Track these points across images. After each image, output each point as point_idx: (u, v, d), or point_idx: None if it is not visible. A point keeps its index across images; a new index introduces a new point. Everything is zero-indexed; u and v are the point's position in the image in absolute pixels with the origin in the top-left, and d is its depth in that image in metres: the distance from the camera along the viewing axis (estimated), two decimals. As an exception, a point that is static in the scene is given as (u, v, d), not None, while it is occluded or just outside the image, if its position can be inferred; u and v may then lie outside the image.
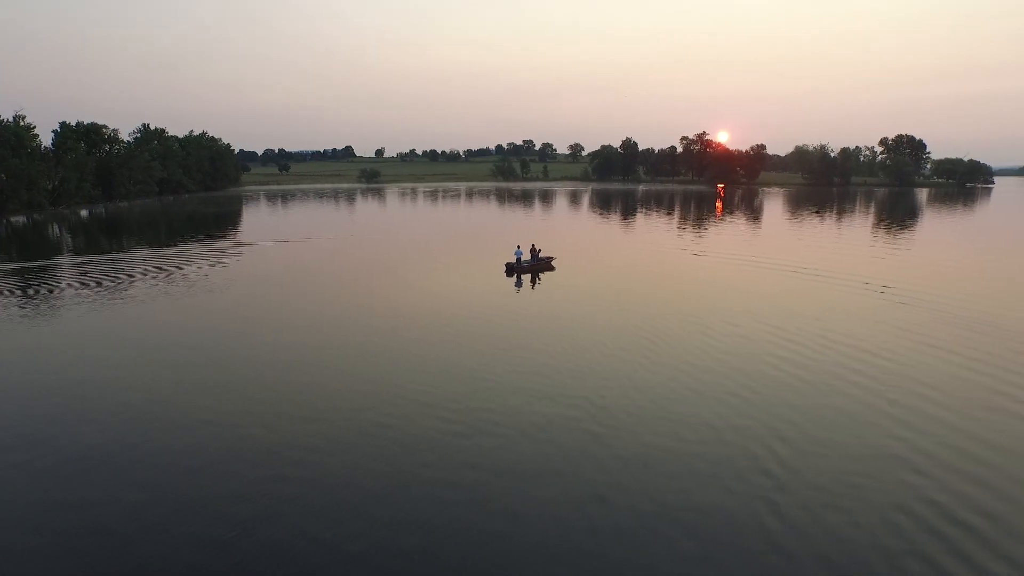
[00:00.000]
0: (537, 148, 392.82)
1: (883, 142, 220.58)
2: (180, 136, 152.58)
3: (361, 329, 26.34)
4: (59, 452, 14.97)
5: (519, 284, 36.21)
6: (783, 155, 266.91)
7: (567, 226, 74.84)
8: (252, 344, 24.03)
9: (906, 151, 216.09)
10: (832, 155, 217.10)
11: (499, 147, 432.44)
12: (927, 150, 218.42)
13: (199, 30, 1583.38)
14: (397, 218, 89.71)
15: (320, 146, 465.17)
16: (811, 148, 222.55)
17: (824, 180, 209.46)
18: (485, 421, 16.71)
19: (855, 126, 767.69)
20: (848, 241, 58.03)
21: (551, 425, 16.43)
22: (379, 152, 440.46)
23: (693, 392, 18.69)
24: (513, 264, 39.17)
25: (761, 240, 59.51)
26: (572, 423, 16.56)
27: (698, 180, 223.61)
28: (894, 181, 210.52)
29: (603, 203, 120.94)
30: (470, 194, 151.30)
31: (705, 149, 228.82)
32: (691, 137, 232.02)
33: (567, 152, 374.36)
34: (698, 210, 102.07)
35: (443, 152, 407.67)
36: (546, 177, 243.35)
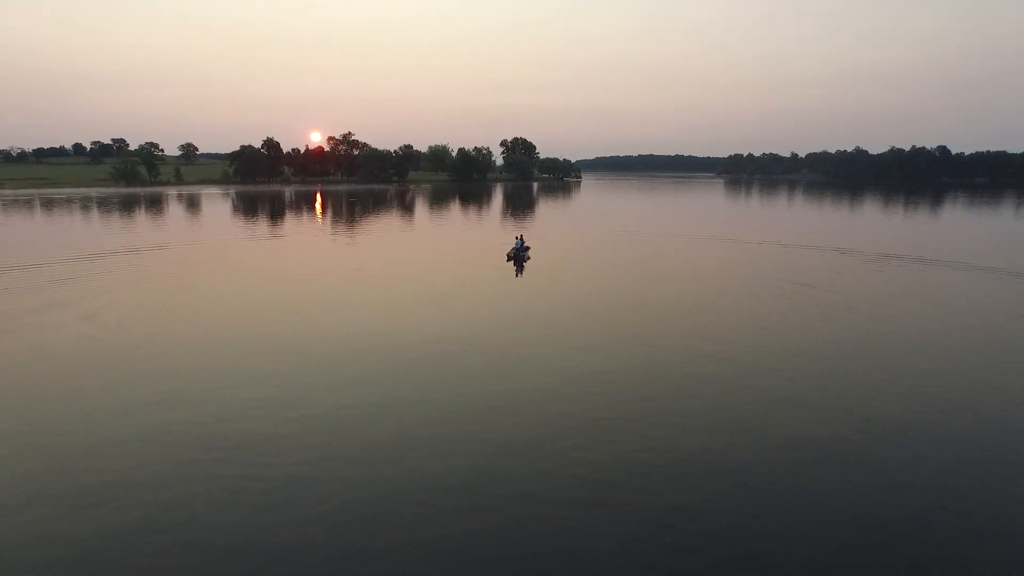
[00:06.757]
0: (133, 148, 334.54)
1: (504, 143, 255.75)
2: None
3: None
4: None
5: (517, 266, 45.55)
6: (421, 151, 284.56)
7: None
8: None
9: (522, 151, 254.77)
10: (453, 153, 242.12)
11: (78, 146, 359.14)
12: (536, 150, 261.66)
13: None
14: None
15: None
16: (439, 147, 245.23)
17: (467, 176, 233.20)
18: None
19: (482, 128, 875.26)
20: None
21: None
22: None
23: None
24: (512, 252, 48.13)
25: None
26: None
27: (350, 180, 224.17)
28: (516, 176, 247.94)
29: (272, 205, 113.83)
30: (119, 202, 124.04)
31: (352, 149, 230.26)
32: (338, 137, 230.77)
33: (178, 153, 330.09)
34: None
35: None
36: (180, 180, 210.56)
